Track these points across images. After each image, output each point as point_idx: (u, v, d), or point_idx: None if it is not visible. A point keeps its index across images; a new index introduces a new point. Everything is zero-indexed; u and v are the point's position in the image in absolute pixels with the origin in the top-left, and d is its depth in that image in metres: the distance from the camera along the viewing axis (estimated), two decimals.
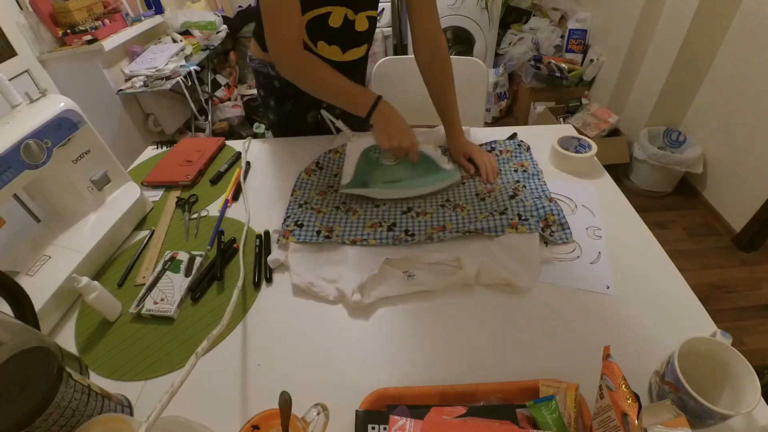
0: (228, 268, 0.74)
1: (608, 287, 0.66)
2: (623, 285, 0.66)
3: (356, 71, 1.05)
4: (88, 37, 1.94)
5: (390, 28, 2.79)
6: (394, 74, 1.30)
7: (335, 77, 0.82)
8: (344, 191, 0.85)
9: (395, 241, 0.75)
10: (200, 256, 0.75)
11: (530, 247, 0.71)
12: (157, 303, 0.67)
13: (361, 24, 0.90)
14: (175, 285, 0.70)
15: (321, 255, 0.74)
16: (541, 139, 0.98)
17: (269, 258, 0.73)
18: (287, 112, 1.08)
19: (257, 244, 0.77)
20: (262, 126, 2.74)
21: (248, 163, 1.01)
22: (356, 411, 0.47)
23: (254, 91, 2.79)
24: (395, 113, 0.82)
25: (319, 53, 0.91)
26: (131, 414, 0.54)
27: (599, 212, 0.80)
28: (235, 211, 0.88)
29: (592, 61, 2.50)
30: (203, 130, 2.55)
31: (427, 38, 0.91)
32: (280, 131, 1.14)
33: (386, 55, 2.70)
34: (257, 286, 0.71)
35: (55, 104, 0.71)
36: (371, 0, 0.90)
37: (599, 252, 0.72)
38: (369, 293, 0.66)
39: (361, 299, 0.64)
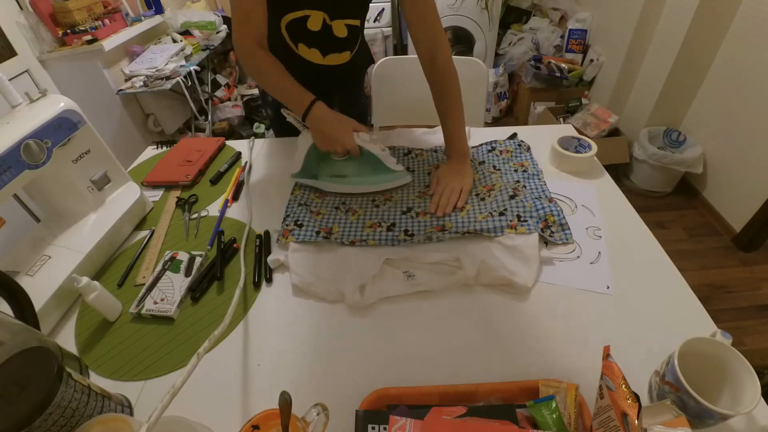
0: (228, 268, 0.74)
1: (608, 287, 0.66)
2: (623, 285, 0.66)
3: (344, 77, 1.03)
4: (88, 37, 1.94)
5: (390, 28, 2.79)
6: (394, 74, 1.30)
7: (280, 75, 0.81)
8: (295, 179, 0.90)
9: (394, 242, 0.75)
10: (200, 256, 0.75)
11: (530, 247, 0.71)
12: (157, 303, 0.67)
13: (339, 30, 0.89)
14: (175, 285, 0.70)
15: (321, 255, 0.74)
16: (541, 139, 0.98)
17: (269, 258, 0.73)
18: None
19: (257, 244, 0.77)
20: (262, 126, 2.74)
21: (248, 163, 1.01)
22: (356, 411, 0.47)
23: (254, 91, 2.79)
24: (329, 117, 0.80)
25: (300, 54, 0.92)
26: (131, 414, 0.54)
27: (599, 212, 0.80)
28: (235, 211, 0.88)
29: (592, 61, 2.50)
30: (203, 130, 2.55)
31: (425, 50, 0.88)
32: (279, 127, 1.13)
33: (386, 55, 2.69)
34: (257, 286, 0.71)
35: (55, 104, 0.71)
36: (350, 9, 0.89)
37: (599, 252, 0.72)
38: (369, 293, 0.66)
39: (361, 299, 0.64)
